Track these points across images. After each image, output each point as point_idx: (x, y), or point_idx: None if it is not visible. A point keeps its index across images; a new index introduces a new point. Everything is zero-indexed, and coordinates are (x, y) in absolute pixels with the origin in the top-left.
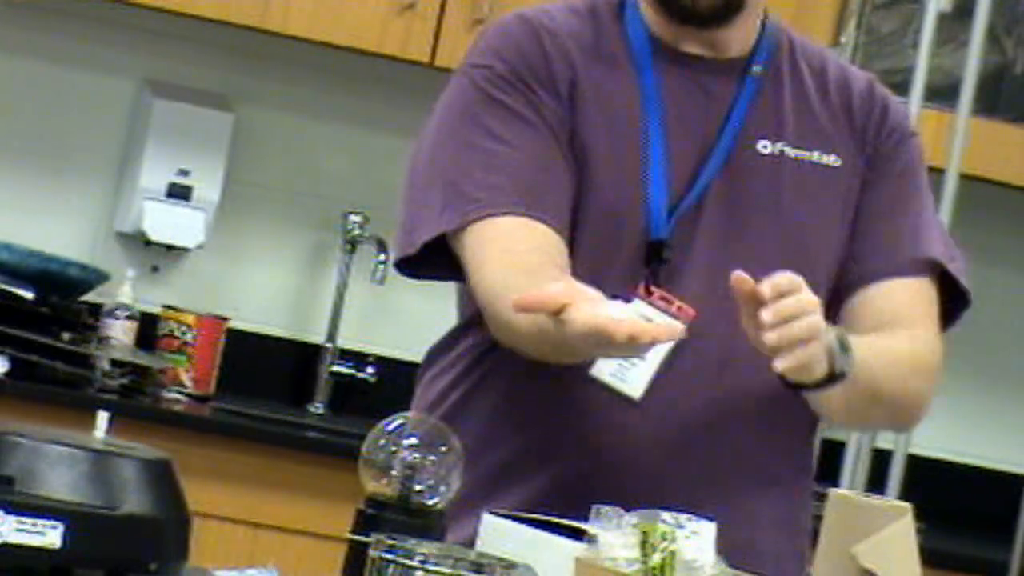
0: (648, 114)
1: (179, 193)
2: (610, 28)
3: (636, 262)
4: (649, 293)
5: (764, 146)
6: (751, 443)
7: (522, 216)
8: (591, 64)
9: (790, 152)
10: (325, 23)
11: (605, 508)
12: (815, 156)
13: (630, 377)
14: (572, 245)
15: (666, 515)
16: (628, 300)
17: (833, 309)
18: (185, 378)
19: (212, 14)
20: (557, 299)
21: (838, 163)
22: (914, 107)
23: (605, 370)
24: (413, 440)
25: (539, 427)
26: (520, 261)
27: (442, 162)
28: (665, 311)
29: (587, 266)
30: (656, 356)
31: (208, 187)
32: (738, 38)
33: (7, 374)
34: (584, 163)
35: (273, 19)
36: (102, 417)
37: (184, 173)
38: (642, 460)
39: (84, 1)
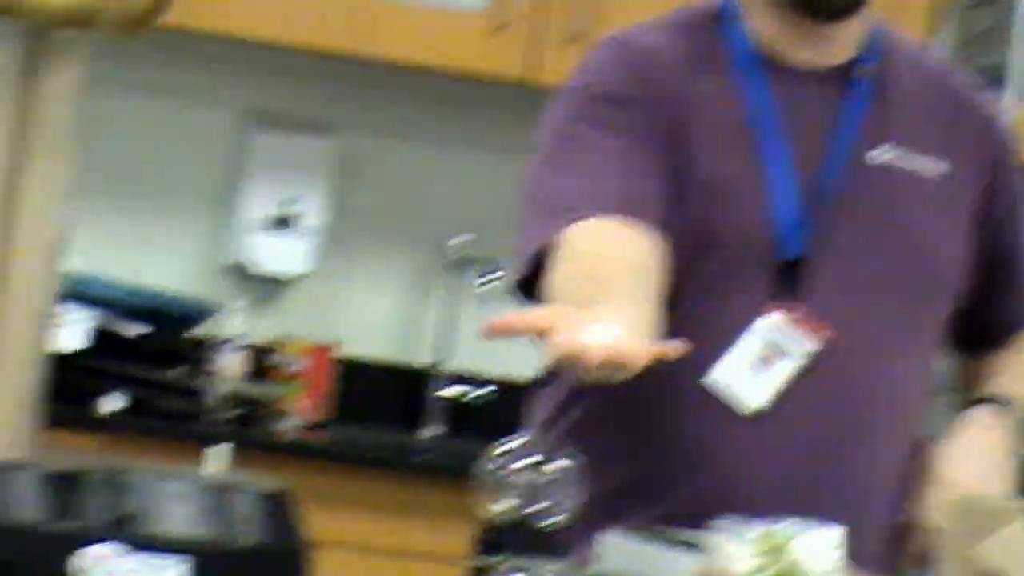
0: (763, 129)
1: (284, 223)
2: (711, 43)
3: (769, 282)
4: (781, 311)
5: (878, 154)
6: (870, 461)
7: (616, 217)
8: (697, 82)
9: (902, 160)
10: (421, 46)
11: (725, 520)
12: (925, 164)
13: (755, 392)
14: (698, 269)
15: (785, 524)
16: (758, 316)
17: (954, 319)
18: (297, 407)
19: (310, 43)
20: (532, 324)
21: (947, 170)
22: (1010, 104)
23: (730, 382)
24: (531, 459)
25: (659, 444)
26: (591, 265)
27: (542, 182)
28: (801, 331)
29: (718, 289)
30: (783, 371)
31: (313, 215)
32: (846, 41)
33: (121, 411)
34: (702, 183)
35: (369, 45)
36: (218, 451)
37: (288, 203)
38: (760, 475)
39: (184, 35)
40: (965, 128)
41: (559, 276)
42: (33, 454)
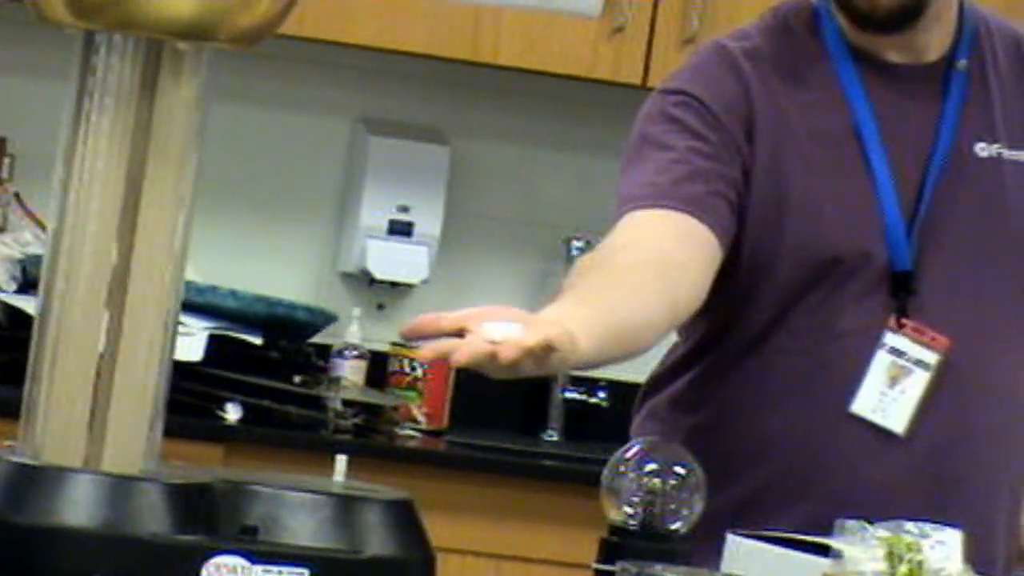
0: (863, 131)
1: (400, 229)
2: (807, 42)
3: (879, 293)
4: (901, 326)
5: (981, 148)
6: (993, 462)
7: (669, 210)
8: (793, 87)
9: (1007, 153)
10: (535, 51)
11: (850, 523)
12: None
13: (892, 412)
14: (808, 284)
15: (910, 525)
16: (880, 335)
17: None
18: (418, 414)
19: (423, 49)
20: (442, 325)
21: None
22: None
23: (867, 406)
24: (653, 465)
25: (793, 461)
26: (599, 256)
27: (622, 180)
28: (919, 342)
29: (833, 304)
30: (916, 388)
31: (429, 222)
32: (936, 39)
33: (240, 420)
34: (809, 197)
35: (483, 51)
36: (340, 460)
37: (404, 209)
38: (905, 493)
39: (297, 44)
40: None
41: (574, 267)
42: (157, 465)
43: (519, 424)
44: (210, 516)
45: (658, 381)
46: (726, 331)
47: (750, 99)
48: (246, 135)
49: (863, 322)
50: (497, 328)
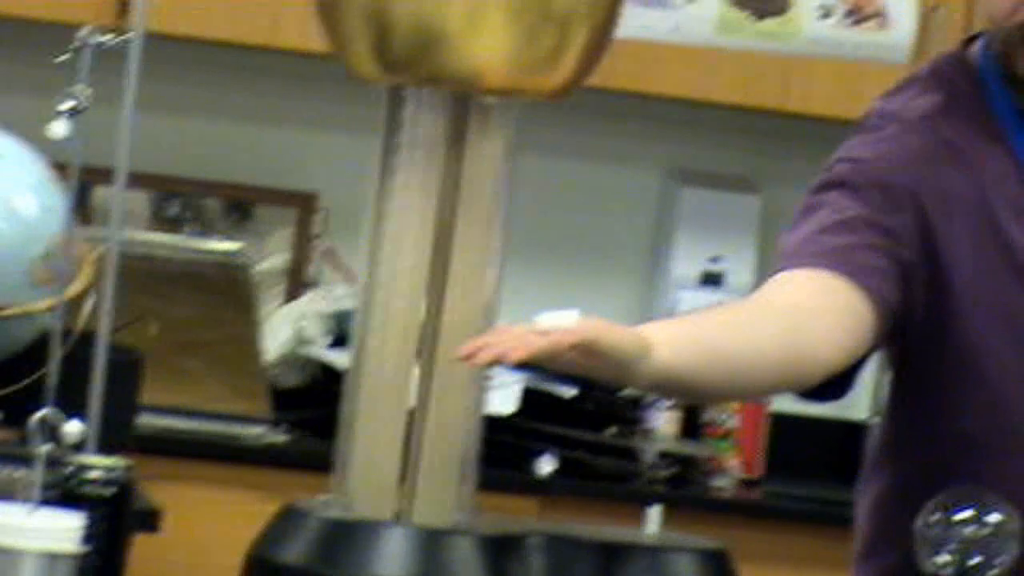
0: None
1: (712, 280)
2: (978, 110)
3: None
4: None
5: None
6: None
7: (821, 269)
8: (975, 158)
9: None
10: (847, 99)
11: None
12: None
13: None
14: (1019, 371)
15: None
16: None
17: None
18: (732, 464)
19: (733, 99)
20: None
21: None
22: None
23: None
24: (967, 513)
25: None
26: (735, 304)
27: (786, 237)
28: None
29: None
30: None
31: (741, 272)
32: None
33: (554, 473)
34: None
35: (794, 99)
36: (654, 512)
37: (716, 260)
38: None
39: (606, 95)
40: None
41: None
42: (470, 518)
43: (836, 472)
44: (523, 568)
45: (874, 467)
46: (940, 419)
47: (938, 174)
48: (556, 187)
49: None
50: (550, 317)
